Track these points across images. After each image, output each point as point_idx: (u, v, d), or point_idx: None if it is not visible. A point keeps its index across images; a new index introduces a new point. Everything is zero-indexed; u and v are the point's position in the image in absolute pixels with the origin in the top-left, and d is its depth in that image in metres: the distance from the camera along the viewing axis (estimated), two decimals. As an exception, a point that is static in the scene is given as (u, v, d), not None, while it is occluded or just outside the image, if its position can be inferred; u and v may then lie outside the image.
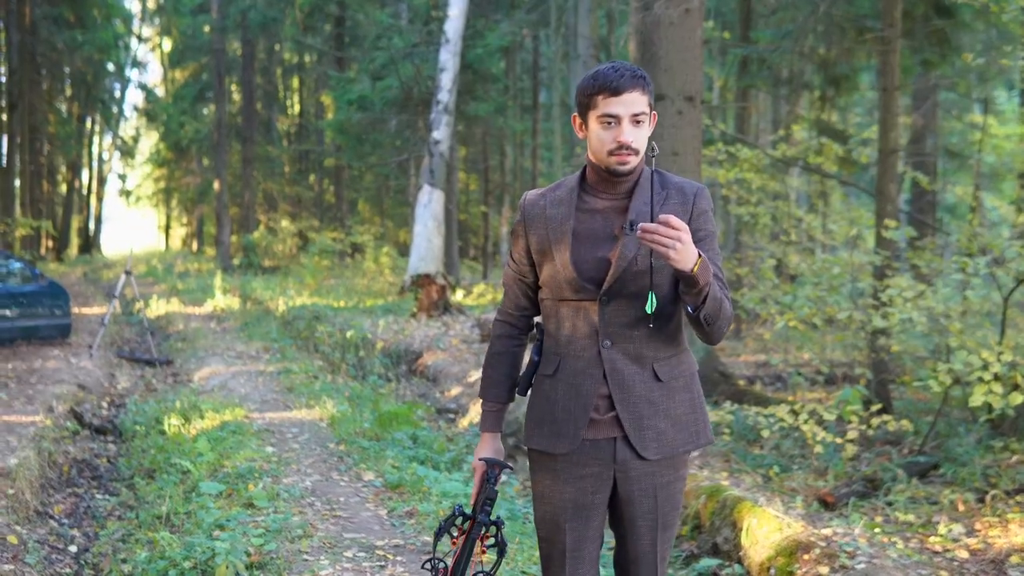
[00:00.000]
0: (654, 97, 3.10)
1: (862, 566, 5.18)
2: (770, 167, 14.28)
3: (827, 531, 5.66)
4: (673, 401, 3.09)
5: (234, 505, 6.67)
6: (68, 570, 6.11)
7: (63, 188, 47.85)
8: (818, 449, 7.42)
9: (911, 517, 6.46)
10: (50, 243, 41.96)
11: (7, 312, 13.71)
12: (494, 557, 3.30)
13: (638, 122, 2.98)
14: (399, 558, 5.68)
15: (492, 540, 3.27)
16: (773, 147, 13.86)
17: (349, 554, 5.74)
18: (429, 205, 19.24)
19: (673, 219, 2.68)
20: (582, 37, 17.53)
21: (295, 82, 46.63)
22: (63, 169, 46.88)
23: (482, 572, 3.23)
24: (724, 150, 12.31)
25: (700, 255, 2.76)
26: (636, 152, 3.00)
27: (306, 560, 5.58)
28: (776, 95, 20.35)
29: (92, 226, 54.32)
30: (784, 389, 11.60)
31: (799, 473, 7.63)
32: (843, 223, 12.01)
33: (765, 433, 7.70)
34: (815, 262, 10.22)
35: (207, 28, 36.23)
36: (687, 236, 2.69)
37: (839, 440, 7.53)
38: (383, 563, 5.59)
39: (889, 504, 6.87)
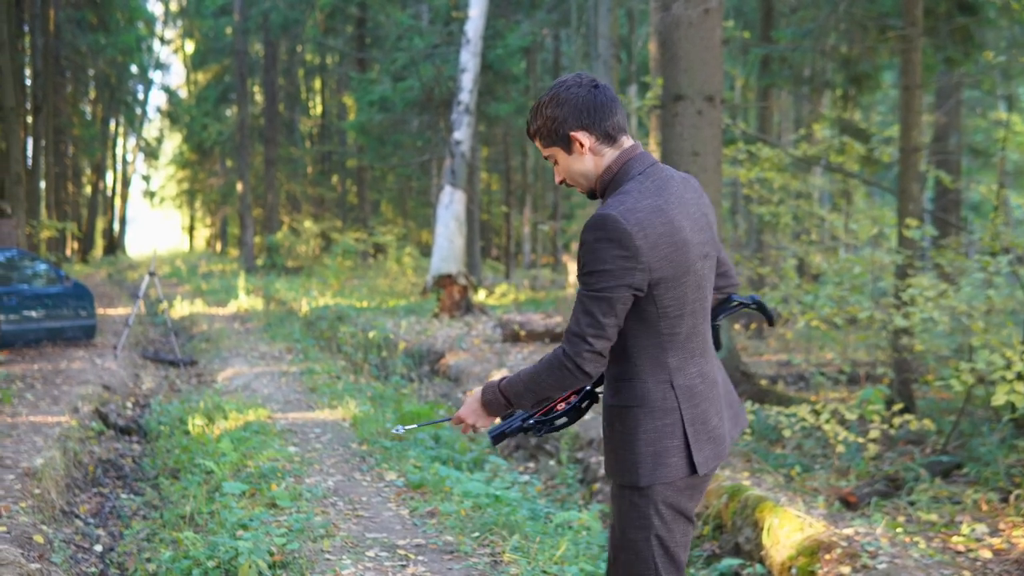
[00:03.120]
0: (601, 117, 3.02)
1: (884, 566, 5.17)
2: (792, 166, 14.24)
3: (849, 531, 5.65)
4: (609, 426, 3.09)
5: (257, 505, 6.71)
6: (94, 569, 6.17)
7: (88, 190, 48.16)
8: (840, 449, 7.40)
9: (934, 517, 6.44)
10: (75, 245, 42.23)
11: (33, 313, 13.83)
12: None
13: (556, 162, 3.13)
14: (421, 557, 5.71)
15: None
16: (794, 146, 13.82)
17: (371, 553, 5.77)
18: (451, 206, 19.28)
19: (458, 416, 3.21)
20: (602, 37, 17.49)
21: (317, 83, 46.76)
22: (87, 171, 47.19)
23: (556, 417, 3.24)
24: (745, 149, 12.28)
25: (479, 398, 3.15)
26: (575, 184, 3.13)
27: (328, 559, 5.61)
28: (798, 94, 20.30)
29: (117, 227, 54.67)
30: (807, 389, 11.56)
31: (821, 473, 7.62)
32: (866, 222, 11.97)
33: (787, 433, 7.69)
34: (837, 261, 10.19)
35: (229, 30, 36.40)
36: (462, 413, 3.20)
37: (861, 440, 7.51)
38: (404, 563, 5.61)
39: (912, 504, 6.85)
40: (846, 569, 5.26)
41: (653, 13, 9.79)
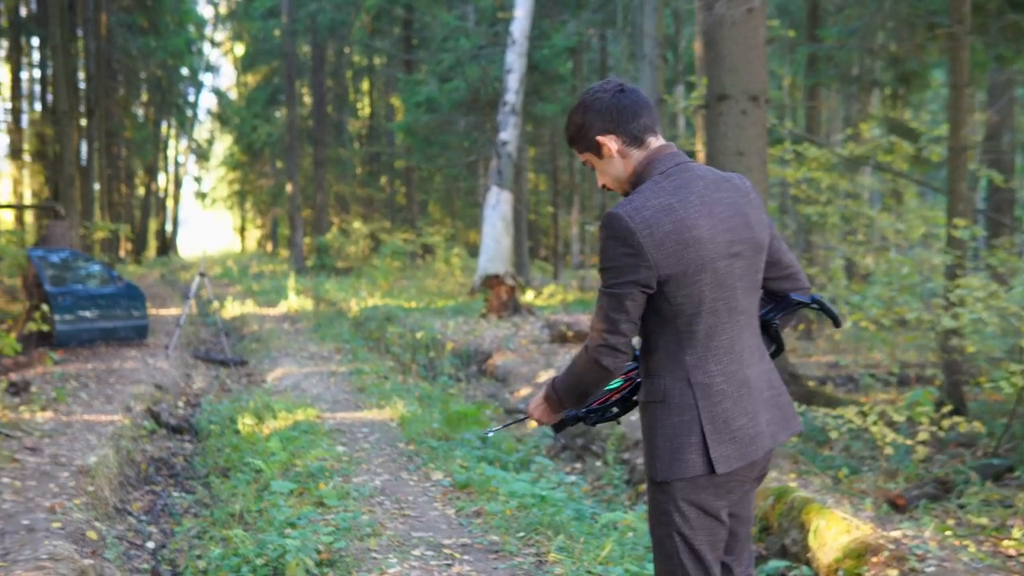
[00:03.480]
0: (629, 121, 3.10)
1: (932, 569, 5.14)
2: (840, 166, 14.13)
3: (896, 533, 5.61)
4: (641, 422, 3.17)
5: (305, 503, 6.80)
6: (145, 565, 6.27)
7: (141, 191, 48.78)
8: (888, 451, 7.35)
9: (984, 520, 6.37)
10: (128, 246, 42.76)
11: (87, 313, 14.04)
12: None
13: (593, 167, 3.23)
14: (466, 557, 5.75)
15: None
16: (842, 146, 13.71)
17: (417, 552, 5.82)
18: (497, 206, 19.32)
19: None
20: (647, 37, 17.48)
21: (365, 84, 47.00)
22: (140, 173, 47.79)
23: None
24: (792, 149, 12.21)
25: (542, 394, 3.31)
26: (612, 188, 3.21)
27: (374, 558, 5.67)
28: (847, 93, 20.13)
29: (169, 228, 55.31)
30: (856, 391, 11.48)
31: (869, 475, 7.57)
32: (916, 222, 11.85)
33: (834, 434, 7.65)
34: (886, 261, 10.11)
35: (277, 32, 36.68)
36: (530, 408, 3.36)
37: (909, 442, 7.45)
38: (450, 562, 5.66)
39: (961, 507, 6.78)
40: (893, 572, 5.23)
41: (698, 13, 9.78)
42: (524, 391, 11.61)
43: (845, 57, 14.80)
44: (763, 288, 3.25)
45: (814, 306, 3.31)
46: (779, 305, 3.31)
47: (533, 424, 3.17)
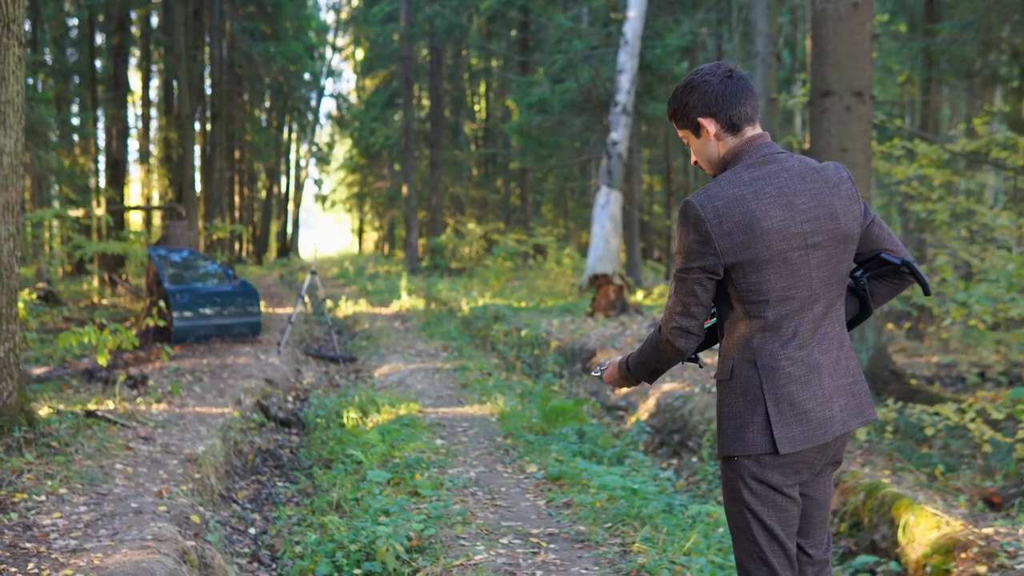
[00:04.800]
0: (736, 105, 3.17)
1: (1023, 567, 5.05)
2: (959, 163, 13.82)
3: (988, 530, 5.53)
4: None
5: (400, 493, 6.97)
6: (246, 549, 6.51)
7: (263, 194, 49.99)
8: (986, 448, 7.21)
9: (1084, 520, 6.22)
10: (250, 247, 43.88)
11: (203, 311, 14.51)
12: None
13: (688, 143, 3.32)
14: (552, 545, 5.84)
15: None
16: (956, 142, 13.41)
17: (504, 540, 5.93)
18: (607, 206, 19.34)
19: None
20: (760, 35, 17.30)
21: (482, 87, 47.38)
22: (263, 176, 48.97)
23: None
24: (902, 146, 11.99)
25: (617, 375, 3.50)
26: (704, 167, 3.29)
27: (463, 545, 5.80)
28: (968, 88, 19.63)
29: (290, 230, 56.51)
30: (965, 390, 11.23)
31: (967, 473, 7.43)
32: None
33: (929, 431, 7.53)
34: (994, 258, 9.86)
35: (396, 36, 37.23)
36: (606, 376, 3.57)
37: (1008, 440, 7.29)
38: (536, 550, 5.75)
39: (1062, 507, 6.62)
40: (982, 568, 5.16)
41: (808, 8, 9.69)
42: (624, 389, 11.61)
43: (958, 51, 14.44)
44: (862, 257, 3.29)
45: (904, 269, 3.30)
46: (868, 264, 3.33)
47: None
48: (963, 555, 5.33)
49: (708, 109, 3.15)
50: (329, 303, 17.47)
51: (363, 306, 23.15)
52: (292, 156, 56.66)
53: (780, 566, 3.18)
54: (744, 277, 3.04)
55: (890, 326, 15.24)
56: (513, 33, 35.27)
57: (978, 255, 10.86)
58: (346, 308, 22.61)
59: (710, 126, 3.16)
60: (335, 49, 56.62)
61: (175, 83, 30.26)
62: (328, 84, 56.83)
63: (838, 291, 3.17)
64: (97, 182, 33.25)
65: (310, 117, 53.85)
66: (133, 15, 30.93)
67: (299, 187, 58.31)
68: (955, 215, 12.06)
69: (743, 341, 3.13)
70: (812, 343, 3.12)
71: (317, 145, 60.00)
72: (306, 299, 20.85)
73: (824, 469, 3.25)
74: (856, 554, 6.19)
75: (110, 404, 9.22)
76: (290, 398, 12.10)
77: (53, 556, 5.16)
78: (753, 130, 3.17)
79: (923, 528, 5.71)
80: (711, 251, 3.01)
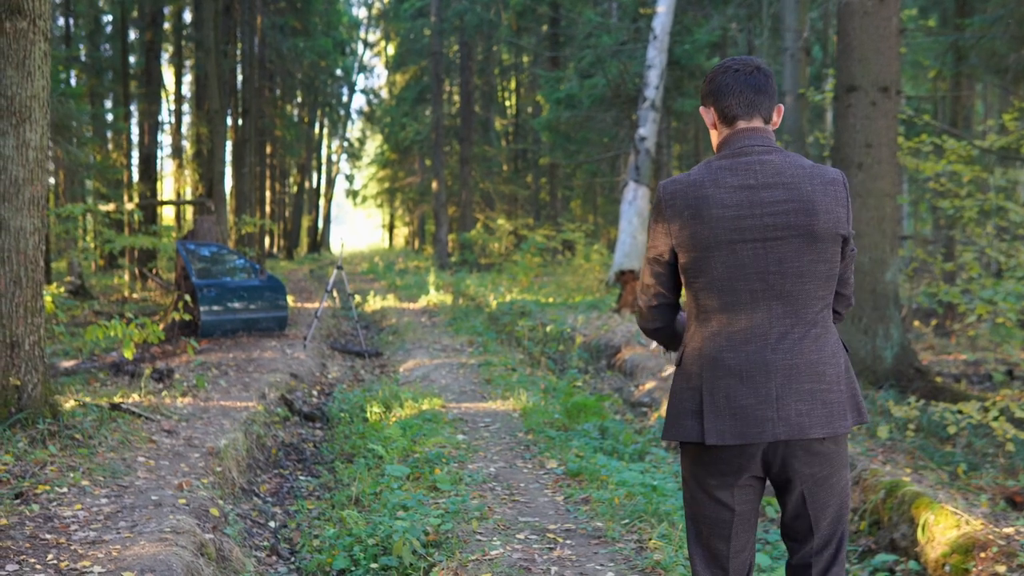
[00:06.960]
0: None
1: (1042, 567, 5.02)
2: (991, 159, 13.69)
3: (1009, 530, 5.48)
4: None
5: (419, 487, 7.00)
6: (265, 543, 6.55)
7: (294, 189, 50.20)
8: (1009, 447, 7.15)
9: (1107, 521, 6.16)
10: (281, 242, 44.07)
11: (230, 305, 14.60)
12: None
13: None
14: (568, 541, 5.85)
15: None
16: (985, 138, 13.28)
17: (521, 536, 5.94)
18: (634, 202, 19.32)
19: None
20: (789, 30, 17.25)
21: (512, 82, 47.38)
22: (294, 171, 49.16)
23: None
24: (930, 142, 11.89)
25: None
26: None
27: (479, 540, 5.82)
28: (999, 83, 19.45)
29: (321, 225, 56.73)
30: (993, 389, 11.14)
31: (989, 472, 7.37)
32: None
33: (951, 429, 7.48)
34: (1022, 255, 9.77)
35: (426, 32, 37.31)
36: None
37: (1032, 439, 7.24)
38: (552, 545, 5.76)
39: (1085, 507, 6.57)
40: (1002, 568, 5.13)
41: (837, 3, 9.64)
42: (649, 384, 11.62)
43: (989, 46, 14.31)
44: None
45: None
46: None
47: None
48: (982, 554, 5.30)
49: (708, 99, 3.26)
50: (357, 298, 17.52)
51: (391, 301, 23.21)
52: (323, 151, 56.85)
53: (699, 566, 3.22)
54: (689, 263, 3.09)
55: (917, 323, 15.12)
56: (543, 28, 35.27)
57: (1007, 252, 10.76)
58: (374, 303, 22.68)
59: (708, 115, 3.27)
60: (366, 44, 56.83)
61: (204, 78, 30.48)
62: (360, 79, 56.87)
63: (816, 292, 3.07)
64: (129, 177, 33.57)
65: (341, 112, 54.02)
66: (166, 11, 31.14)
67: (330, 182, 58.52)
68: (984, 212, 11.94)
69: (693, 328, 3.19)
70: (767, 341, 3.04)
71: (348, 140, 60.19)
72: (334, 294, 20.92)
73: (789, 484, 3.12)
74: (875, 552, 6.16)
75: (135, 397, 9.31)
76: (315, 392, 12.16)
77: (72, 547, 5.21)
78: (747, 123, 3.17)
79: (943, 527, 5.67)
80: (664, 232, 3.13)
